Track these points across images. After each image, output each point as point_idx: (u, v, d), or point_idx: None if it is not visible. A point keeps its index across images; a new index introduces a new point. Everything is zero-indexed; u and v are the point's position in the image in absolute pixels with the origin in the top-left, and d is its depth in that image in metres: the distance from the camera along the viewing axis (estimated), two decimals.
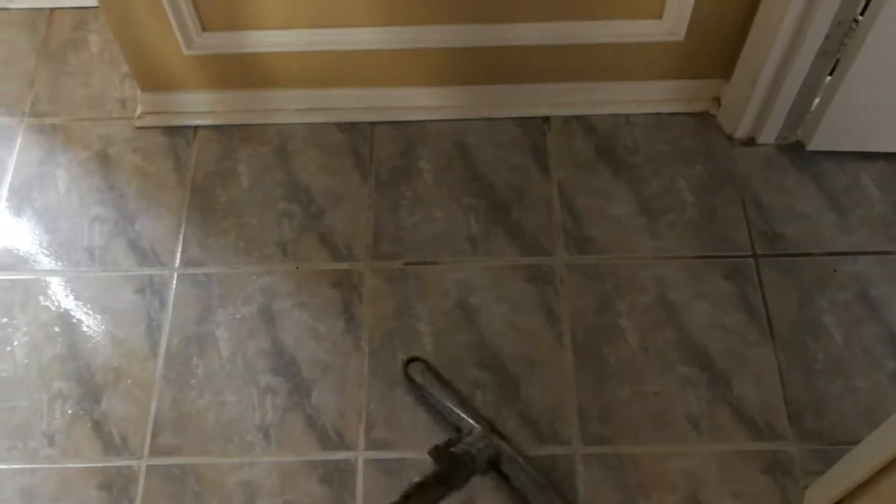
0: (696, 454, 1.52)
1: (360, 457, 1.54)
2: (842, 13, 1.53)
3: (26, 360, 1.64)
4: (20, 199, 1.83)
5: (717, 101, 1.86)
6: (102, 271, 1.74)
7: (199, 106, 1.90)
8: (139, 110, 1.92)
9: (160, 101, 1.90)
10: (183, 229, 1.78)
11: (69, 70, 2.00)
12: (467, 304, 1.67)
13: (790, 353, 1.60)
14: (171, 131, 1.90)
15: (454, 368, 1.60)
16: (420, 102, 1.89)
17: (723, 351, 1.61)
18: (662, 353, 1.61)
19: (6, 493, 1.52)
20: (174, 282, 1.72)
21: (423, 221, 1.77)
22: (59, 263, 1.75)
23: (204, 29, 1.73)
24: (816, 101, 1.73)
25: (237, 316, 1.68)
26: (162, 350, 1.65)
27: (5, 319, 1.69)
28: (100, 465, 1.54)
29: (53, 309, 1.70)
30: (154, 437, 1.56)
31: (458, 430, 1.51)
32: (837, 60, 1.63)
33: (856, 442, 1.28)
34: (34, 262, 1.75)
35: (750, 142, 1.83)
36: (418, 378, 1.57)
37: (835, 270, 1.68)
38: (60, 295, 1.71)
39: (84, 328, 1.67)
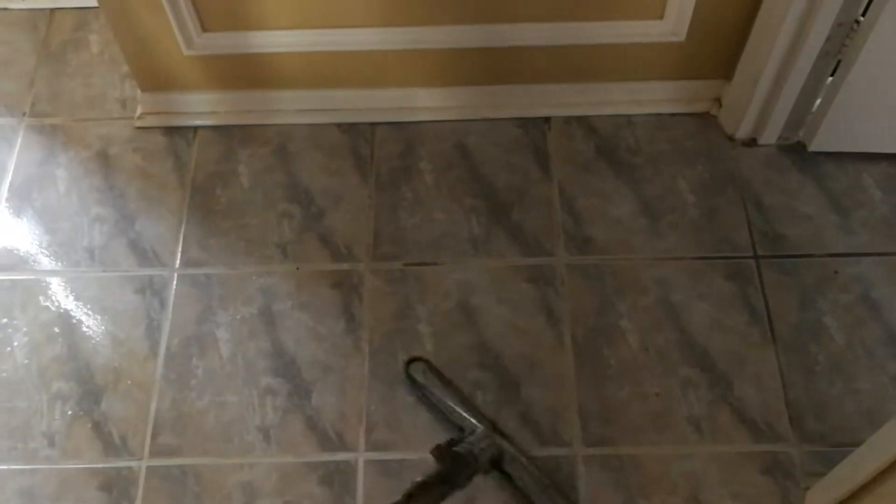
0: (697, 455, 1.52)
1: (361, 458, 1.54)
2: (843, 14, 1.53)
3: (26, 361, 1.64)
4: (20, 200, 1.83)
5: (718, 101, 1.86)
6: (102, 272, 1.74)
7: (200, 106, 1.90)
8: (139, 110, 1.92)
9: (160, 101, 1.90)
10: (183, 230, 1.78)
11: (69, 70, 2.00)
12: (468, 304, 1.67)
13: (791, 354, 1.60)
14: (171, 132, 1.90)
15: (455, 369, 1.59)
16: (421, 103, 1.89)
17: (724, 352, 1.61)
18: (663, 354, 1.61)
19: (6, 494, 1.52)
20: (174, 282, 1.72)
21: (424, 222, 1.77)
22: (59, 264, 1.75)
23: (204, 29, 1.73)
24: (818, 101, 1.73)
25: (237, 316, 1.67)
26: (162, 350, 1.65)
27: (5, 320, 1.69)
28: (100, 465, 1.54)
29: (53, 309, 1.70)
30: (154, 437, 1.56)
31: (461, 429, 1.51)
32: (839, 61, 1.63)
33: (857, 444, 1.27)
34: (34, 262, 1.75)
35: (751, 142, 1.83)
36: (420, 378, 1.57)
37: (836, 272, 1.68)
38: (60, 295, 1.71)
39: (84, 328, 1.67)
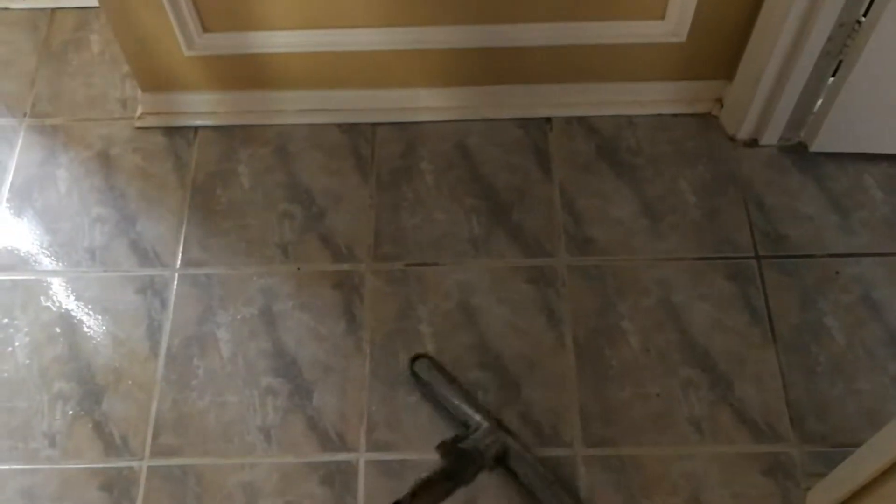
0: (698, 456, 1.52)
1: (362, 458, 1.54)
2: (844, 14, 1.52)
3: (27, 361, 1.64)
4: (21, 200, 1.83)
5: (719, 102, 1.86)
6: (103, 272, 1.74)
7: (200, 106, 1.90)
8: (140, 111, 1.92)
9: (161, 101, 1.90)
10: (184, 230, 1.78)
11: (70, 70, 2.00)
12: (468, 305, 1.67)
13: (792, 354, 1.60)
14: (171, 132, 1.90)
15: (455, 369, 1.59)
16: (421, 103, 1.88)
17: (724, 352, 1.61)
18: (664, 355, 1.61)
19: (7, 494, 1.52)
20: (175, 282, 1.72)
21: (425, 222, 1.77)
22: (60, 264, 1.75)
23: (205, 29, 1.73)
24: (819, 102, 1.72)
25: (238, 317, 1.67)
26: (163, 351, 1.65)
27: (6, 320, 1.69)
28: (101, 465, 1.54)
29: (54, 309, 1.70)
30: (155, 437, 1.56)
31: (466, 426, 1.50)
32: (840, 62, 1.63)
33: (858, 444, 1.27)
34: (35, 262, 1.75)
35: (752, 143, 1.83)
36: (425, 375, 1.57)
37: (837, 272, 1.68)
38: (61, 295, 1.71)
39: (85, 329, 1.67)
